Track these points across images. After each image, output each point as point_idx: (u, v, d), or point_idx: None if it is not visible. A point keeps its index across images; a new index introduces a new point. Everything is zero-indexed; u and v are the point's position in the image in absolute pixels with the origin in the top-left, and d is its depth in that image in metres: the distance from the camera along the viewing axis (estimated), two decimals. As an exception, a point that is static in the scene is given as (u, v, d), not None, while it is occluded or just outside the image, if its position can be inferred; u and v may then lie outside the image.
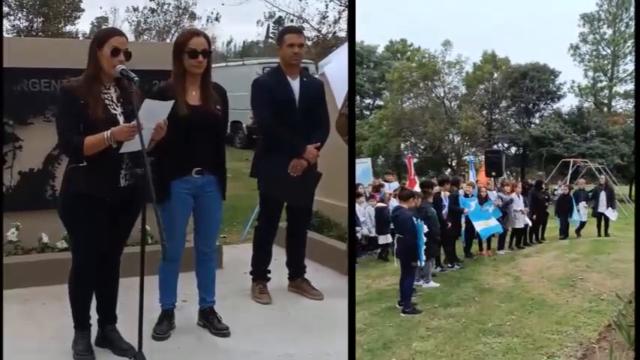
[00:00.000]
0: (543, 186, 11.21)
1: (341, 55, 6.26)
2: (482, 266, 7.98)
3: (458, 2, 33.78)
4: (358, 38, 30.38)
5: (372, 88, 31.42)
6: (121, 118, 3.42)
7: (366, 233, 8.43)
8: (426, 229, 5.68)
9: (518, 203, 9.36)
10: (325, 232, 6.01)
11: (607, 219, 11.40)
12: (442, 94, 27.19)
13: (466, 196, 8.32)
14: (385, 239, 8.03)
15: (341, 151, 5.46)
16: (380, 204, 8.52)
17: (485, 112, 27.32)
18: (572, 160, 18.48)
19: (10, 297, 4.26)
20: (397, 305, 5.54)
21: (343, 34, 20.98)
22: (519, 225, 9.44)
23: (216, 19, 34.01)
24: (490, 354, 4.26)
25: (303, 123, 4.61)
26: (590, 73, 27.89)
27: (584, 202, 11.31)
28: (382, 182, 10.62)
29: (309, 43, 21.17)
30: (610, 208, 11.42)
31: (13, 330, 3.84)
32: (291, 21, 22.11)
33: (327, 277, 5.25)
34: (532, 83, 26.54)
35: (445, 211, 7.59)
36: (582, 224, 11.29)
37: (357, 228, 8.14)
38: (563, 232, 11.00)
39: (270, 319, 4.41)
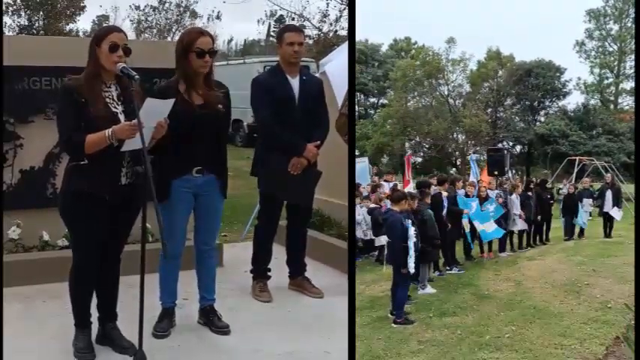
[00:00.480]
0: (548, 185, 10.99)
1: (342, 53, 6.25)
2: (482, 270, 7.74)
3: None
4: (362, 36, 30.39)
5: (377, 86, 31.32)
6: (121, 117, 3.41)
7: (361, 236, 8.19)
8: (413, 232, 5.25)
9: (517, 206, 9.16)
10: (325, 230, 6.01)
11: (612, 219, 11.06)
12: (446, 93, 27.03)
13: (467, 196, 8.15)
14: (380, 241, 7.64)
15: (341, 150, 5.46)
16: (372, 205, 8.23)
17: (489, 110, 27.07)
18: (577, 158, 18.11)
19: (10, 295, 4.26)
20: (389, 315, 5.33)
21: (344, 32, 21.02)
22: (515, 228, 9.26)
23: (218, 17, 34.15)
24: (486, 371, 4.05)
25: (303, 121, 4.61)
26: (597, 70, 27.35)
27: (590, 200, 11.04)
28: (382, 182, 10.41)
29: (310, 41, 21.19)
30: (616, 208, 11.09)
31: (14, 328, 3.85)
32: (292, 19, 22.16)
33: (327, 276, 5.25)
34: (537, 80, 26.23)
35: (444, 212, 7.36)
36: (582, 230, 10.97)
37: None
38: (569, 233, 10.74)
39: (270, 317, 4.41)
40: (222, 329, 4.06)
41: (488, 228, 8.22)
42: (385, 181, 10.90)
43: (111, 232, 3.51)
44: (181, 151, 3.82)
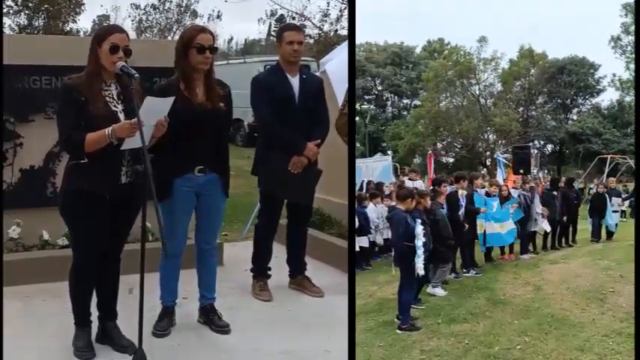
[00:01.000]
0: (575, 184, 10.24)
1: (342, 52, 6.25)
2: (501, 273, 7.21)
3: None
4: (396, 38, 30.07)
5: (410, 88, 31.14)
6: (121, 115, 3.41)
7: (377, 239, 7.92)
8: (421, 231, 4.93)
9: (537, 204, 8.52)
10: (326, 229, 6.01)
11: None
12: (477, 92, 26.66)
13: (488, 195, 7.67)
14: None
15: (341, 148, 5.45)
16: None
17: (521, 109, 26.45)
18: (609, 156, 17.30)
19: (10, 294, 4.25)
20: (395, 319, 5.04)
21: (345, 32, 20.99)
22: (537, 228, 8.61)
23: (218, 16, 34.14)
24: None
25: (303, 120, 4.61)
26: (632, 66, 25.29)
27: (618, 200, 10.35)
28: (406, 180, 9.96)
29: (311, 41, 21.19)
30: None
31: (14, 327, 3.85)
32: (293, 19, 22.14)
33: (327, 275, 5.25)
34: (570, 78, 25.55)
35: (462, 211, 6.93)
36: (610, 232, 10.15)
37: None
38: (596, 235, 9.99)
39: (270, 316, 4.41)
40: (222, 328, 4.06)
41: (505, 228, 7.71)
42: (409, 179, 10.41)
43: (111, 230, 3.51)
44: (183, 149, 3.81)
